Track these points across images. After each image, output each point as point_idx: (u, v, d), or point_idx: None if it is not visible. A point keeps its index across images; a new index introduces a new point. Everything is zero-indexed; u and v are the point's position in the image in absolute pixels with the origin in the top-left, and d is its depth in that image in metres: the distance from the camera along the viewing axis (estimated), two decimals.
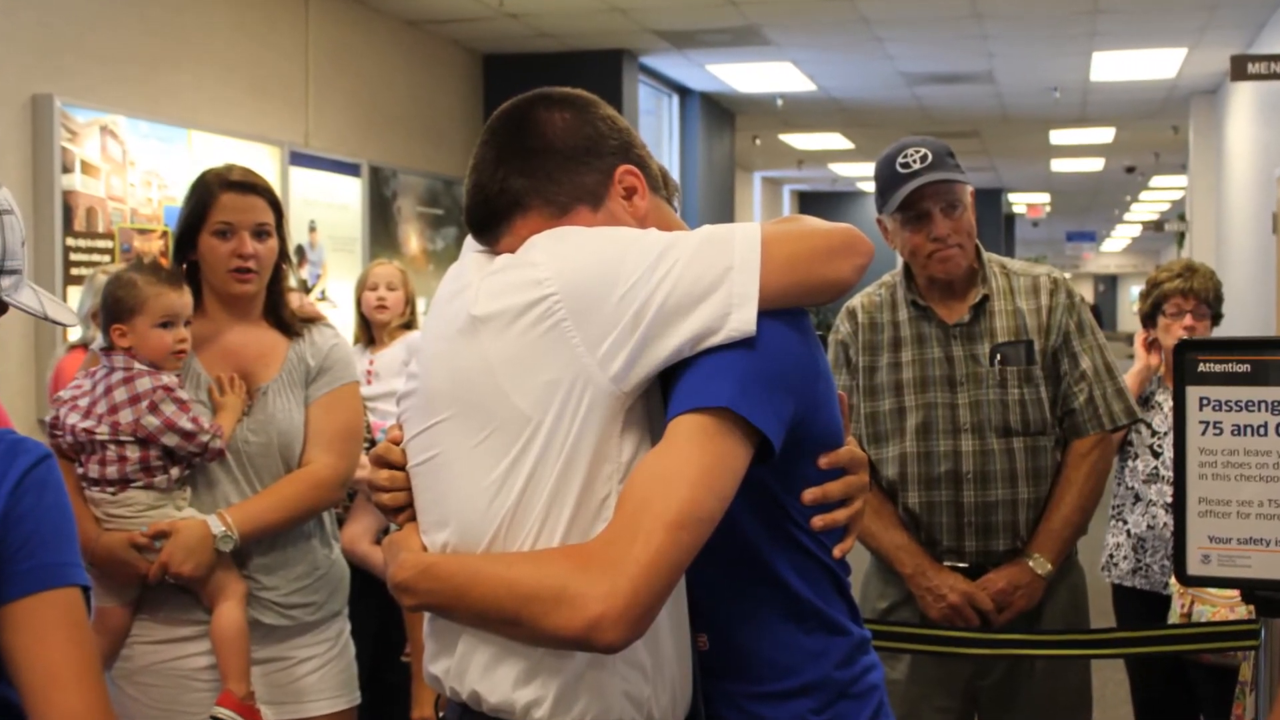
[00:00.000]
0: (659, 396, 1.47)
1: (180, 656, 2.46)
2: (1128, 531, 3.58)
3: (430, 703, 3.22)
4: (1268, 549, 2.29)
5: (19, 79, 4.95)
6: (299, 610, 2.53)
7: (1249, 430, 2.31)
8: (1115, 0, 7.74)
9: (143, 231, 5.43)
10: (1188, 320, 3.53)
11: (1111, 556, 3.62)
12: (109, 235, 5.26)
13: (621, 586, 1.31)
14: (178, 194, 5.36)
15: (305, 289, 6.45)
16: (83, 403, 2.44)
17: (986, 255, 2.82)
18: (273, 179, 5.18)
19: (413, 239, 7.96)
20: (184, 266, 2.55)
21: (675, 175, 10.37)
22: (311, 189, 6.82)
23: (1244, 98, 9.04)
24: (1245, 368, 2.31)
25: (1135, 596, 3.57)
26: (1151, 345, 3.63)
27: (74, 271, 5.03)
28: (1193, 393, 2.31)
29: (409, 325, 4.30)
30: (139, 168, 5.44)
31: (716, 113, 11.35)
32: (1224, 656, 3.10)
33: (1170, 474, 3.26)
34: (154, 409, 2.39)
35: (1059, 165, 16.63)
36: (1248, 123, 9.00)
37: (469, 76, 8.84)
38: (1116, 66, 9.65)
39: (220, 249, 2.50)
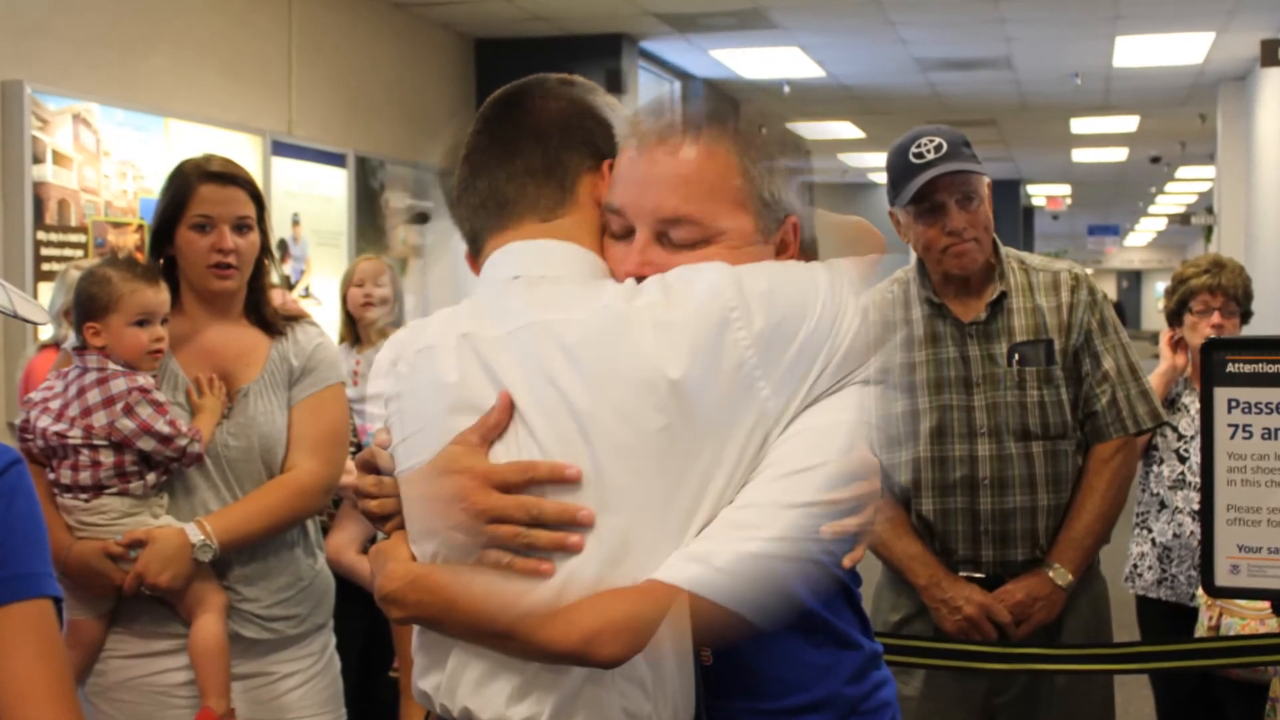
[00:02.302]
0: None
1: (157, 671, 2.43)
2: (1153, 540, 3.57)
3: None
4: None
5: None
6: (281, 623, 2.51)
7: None
8: None
9: (117, 225, 5.40)
10: (1215, 318, 3.51)
11: (1135, 567, 3.62)
12: (82, 229, 5.22)
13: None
14: (154, 185, 5.34)
15: (288, 285, 6.45)
16: (54, 405, 2.41)
17: (1004, 250, 2.80)
18: (254, 169, 5.17)
19: (401, 233, 7.90)
20: (161, 262, 2.53)
21: None
22: (294, 180, 6.77)
23: (1275, 85, 9.00)
24: (1276, 368, 2.39)
25: (1160, 608, 3.57)
26: (1177, 344, 3.62)
27: (45, 267, 4.98)
28: (1221, 394, 2.40)
29: (397, 323, 4.25)
30: (113, 158, 5.41)
31: (721, 100, 11.30)
32: (1253, 671, 3.09)
33: (1197, 480, 3.27)
34: (129, 411, 2.36)
35: (1080, 155, 16.65)
36: (1279, 111, 8.91)
37: (460, 62, 8.79)
38: (1141, 51, 9.60)
39: (199, 243, 2.48)
